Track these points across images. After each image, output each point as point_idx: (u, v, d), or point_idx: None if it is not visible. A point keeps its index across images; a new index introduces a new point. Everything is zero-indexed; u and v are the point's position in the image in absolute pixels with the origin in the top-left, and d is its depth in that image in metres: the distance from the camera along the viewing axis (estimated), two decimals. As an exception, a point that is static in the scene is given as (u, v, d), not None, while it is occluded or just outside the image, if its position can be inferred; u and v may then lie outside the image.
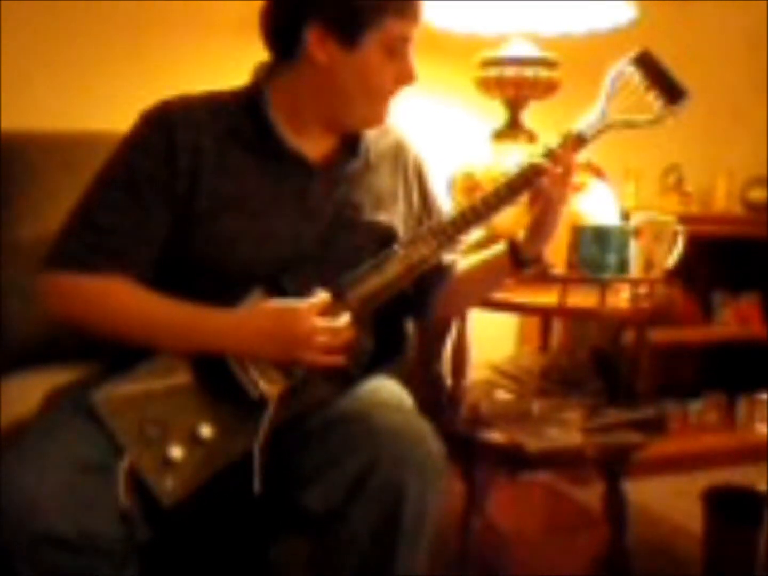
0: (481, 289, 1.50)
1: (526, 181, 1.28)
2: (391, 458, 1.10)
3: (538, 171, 1.27)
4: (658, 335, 2.07)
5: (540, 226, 1.32)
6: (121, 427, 1.12)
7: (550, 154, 1.27)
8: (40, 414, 1.20)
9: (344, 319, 1.20)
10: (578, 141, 1.30)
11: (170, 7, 2.04)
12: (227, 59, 1.92)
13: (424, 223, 1.39)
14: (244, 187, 1.24)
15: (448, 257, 1.40)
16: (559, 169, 1.27)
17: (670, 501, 2.30)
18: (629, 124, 1.33)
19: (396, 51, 1.23)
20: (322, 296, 1.19)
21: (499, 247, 1.38)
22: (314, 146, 1.29)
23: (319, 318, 1.18)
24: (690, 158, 2.69)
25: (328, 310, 1.19)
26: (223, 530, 1.22)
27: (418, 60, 1.26)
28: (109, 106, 1.89)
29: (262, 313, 1.18)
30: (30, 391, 1.29)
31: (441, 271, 1.40)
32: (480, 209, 1.27)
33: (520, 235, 1.35)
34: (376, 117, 1.30)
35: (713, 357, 2.86)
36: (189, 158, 1.21)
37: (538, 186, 1.27)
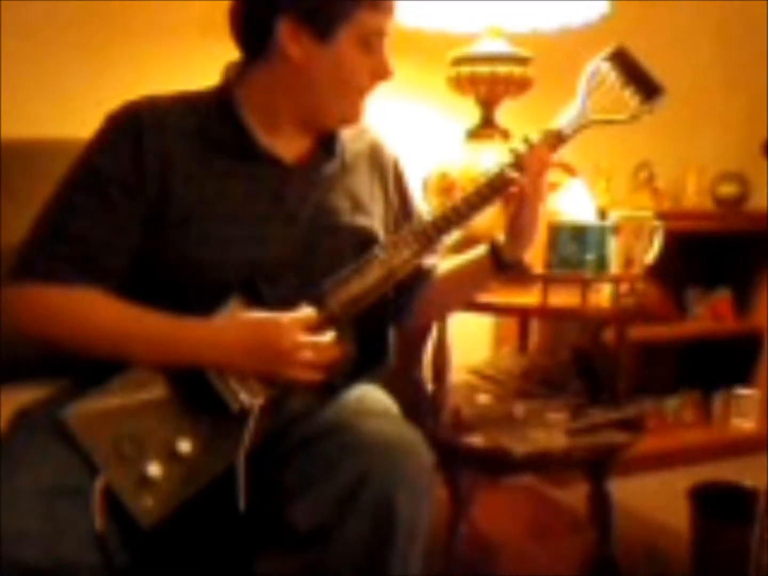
0: (462, 293, 1.47)
1: (506, 179, 1.24)
2: (382, 470, 1.06)
3: (518, 167, 1.24)
4: (636, 333, 2.05)
5: (517, 227, 1.29)
6: (94, 445, 1.07)
7: (528, 150, 1.24)
8: (6, 436, 1.13)
9: (329, 335, 1.15)
10: (558, 138, 1.27)
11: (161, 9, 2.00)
12: (194, 61, 1.87)
13: (403, 226, 1.36)
14: (218, 191, 1.19)
15: (428, 260, 1.37)
16: (535, 165, 1.24)
17: (651, 499, 2.29)
18: (608, 122, 1.31)
19: (371, 45, 1.20)
20: (307, 311, 1.15)
21: (480, 250, 1.34)
22: (289, 146, 1.25)
23: (303, 334, 1.13)
24: (660, 155, 2.69)
25: (314, 326, 1.15)
26: (206, 550, 1.17)
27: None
28: (70, 113, 1.84)
29: (243, 324, 1.13)
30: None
31: (421, 275, 1.36)
32: (462, 210, 1.24)
33: (501, 237, 1.32)
34: (352, 114, 1.26)
35: (687, 353, 2.86)
36: (158, 161, 1.16)
37: (515, 182, 1.24)
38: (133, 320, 1.14)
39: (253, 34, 1.21)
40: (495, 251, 1.31)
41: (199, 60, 1.79)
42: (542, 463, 1.69)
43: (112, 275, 1.16)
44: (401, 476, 1.06)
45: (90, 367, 1.14)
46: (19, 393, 1.27)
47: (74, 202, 1.16)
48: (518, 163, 1.24)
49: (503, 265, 1.31)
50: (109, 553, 1.03)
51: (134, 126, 1.17)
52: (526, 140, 1.26)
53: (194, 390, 1.12)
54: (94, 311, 1.14)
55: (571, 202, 1.85)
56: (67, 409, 1.08)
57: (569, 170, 1.94)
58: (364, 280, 1.20)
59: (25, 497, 0.98)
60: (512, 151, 1.25)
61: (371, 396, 1.24)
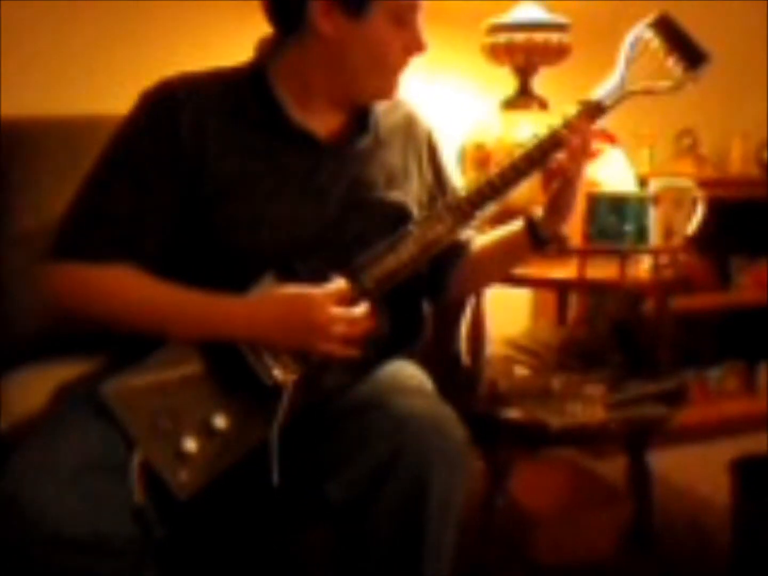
0: (498, 268, 1.46)
1: (544, 152, 1.22)
2: (414, 446, 1.07)
3: (557, 141, 1.22)
4: (677, 304, 2.02)
5: (558, 203, 1.28)
6: (132, 421, 1.09)
7: (567, 125, 1.22)
8: (49, 411, 1.16)
9: (362, 308, 1.15)
10: (597, 109, 1.25)
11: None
12: (227, 35, 1.87)
13: (437, 200, 1.35)
14: (252, 168, 1.19)
15: (463, 235, 1.36)
16: (577, 140, 1.22)
17: (692, 471, 2.27)
18: (649, 91, 1.29)
19: (404, 20, 1.19)
20: (339, 283, 1.15)
21: (516, 225, 1.33)
22: (323, 123, 1.24)
23: (336, 307, 1.13)
24: (703, 121, 2.63)
25: (346, 298, 1.15)
26: (242, 523, 1.19)
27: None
28: (109, 88, 1.84)
29: (276, 299, 1.14)
30: (36, 385, 1.26)
31: (457, 249, 1.35)
32: (497, 184, 1.22)
33: (537, 211, 1.30)
34: (387, 89, 1.25)
35: (731, 323, 2.81)
36: (193, 139, 1.16)
37: (555, 159, 1.22)
38: (168, 297, 1.15)
39: (285, 12, 1.20)
40: (532, 226, 1.30)
41: (234, 35, 1.78)
42: (579, 437, 1.68)
43: (149, 253, 1.17)
44: (434, 453, 1.07)
45: (129, 343, 1.15)
46: (62, 368, 1.30)
47: (110, 181, 1.17)
48: (556, 139, 1.22)
49: (540, 240, 1.30)
50: (147, 525, 1.05)
51: (168, 104, 1.18)
52: (564, 117, 1.23)
53: (230, 366, 1.13)
54: (131, 288, 1.15)
55: (610, 171, 1.81)
56: (106, 385, 1.09)
57: (610, 138, 1.90)
58: (398, 256, 1.19)
59: (65, 472, 1.01)
60: (550, 127, 1.23)
61: (405, 372, 1.24)
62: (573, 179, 1.25)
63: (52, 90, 1.85)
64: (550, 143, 1.22)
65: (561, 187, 1.26)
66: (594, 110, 1.24)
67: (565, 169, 1.23)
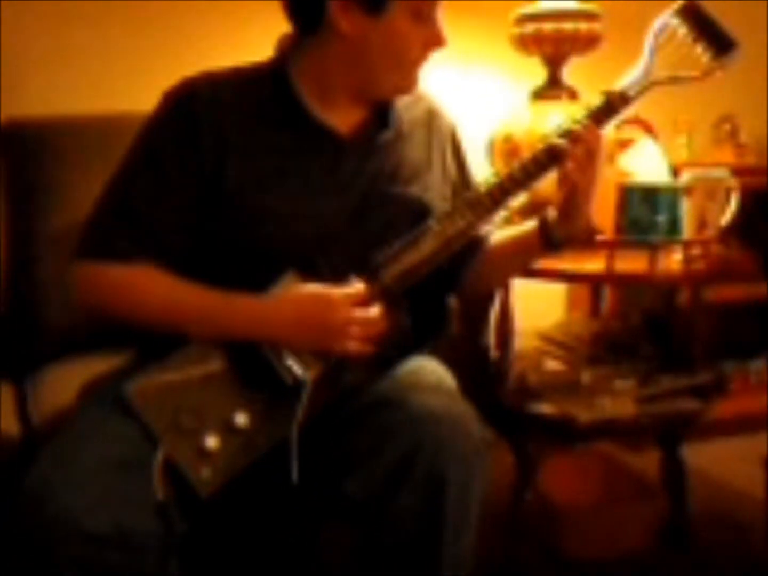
0: (511, 266, 1.45)
1: (564, 147, 1.21)
2: (431, 445, 1.06)
3: (575, 137, 1.20)
4: (715, 294, 1.98)
5: (568, 207, 1.26)
6: (154, 419, 1.10)
7: (566, 133, 1.21)
8: (75, 408, 1.18)
9: (377, 309, 1.15)
10: (621, 100, 1.23)
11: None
12: (251, 33, 1.87)
13: (459, 194, 1.34)
14: (273, 165, 1.19)
15: (482, 230, 1.34)
16: (580, 151, 1.19)
17: (731, 465, 2.23)
18: (675, 80, 1.26)
19: (423, 15, 1.18)
20: (357, 286, 1.15)
21: (531, 225, 1.32)
22: (343, 118, 1.24)
23: (354, 308, 1.13)
24: (744, 106, 2.57)
25: (365, 300, 1.15)
26: (261, 519, 1.20)
27: (449, 20, 1.20)
28: (139, 86, 1.86)
29: (294, 300, 1.14)
30: (66, 382, 1.29)
31: (474, 245, 1.34)
32: (519, 177, 1.21)
33: (552, 212, 1.28)
34: (407, 84, 1.25)
35: (774, 314, 2.75)
36: (214, 138, 1.17)
37: (564, 167, 1.21)
38: (188, 296, 1.16)
39: (305, 11, 1.20)
40: (544, 228, 1.28)
41: (257, 29, 1.79)
42: (609, 431, 1.66)
43: (170, 251, 1.18)
44: (450, 451, 1.07)
45: (154, 340, 1.16)
46: (94, 363, 1.33)
47: (133, 181, 1.19)
48: (574, 135, 1.20)
49: (552, 242, 1.28)
50: (169, 521, 1.06)
51: (189, 103, 1.18)
52: (573, 118, 1.22)
53: (250, 364, 1.14)
54: (151, 288, 1.17)
55: (643, 161, 1.79)
56: (129, 384, 1.11)
57: (644, 126, 1.87)
58: (419, 252, 1.19)
59: (88, 468, 1.02)
60: (560, 127, 1.22)
61: (425, 369, 1.23)
62: (583, 187, 1.22)
63: (81, 89, 1.87)
64: (570, 137, 1.20)
65: (570, 192, 1.24)
66: (618, 101, 1.22)
67: (572, 177, 1.21)
